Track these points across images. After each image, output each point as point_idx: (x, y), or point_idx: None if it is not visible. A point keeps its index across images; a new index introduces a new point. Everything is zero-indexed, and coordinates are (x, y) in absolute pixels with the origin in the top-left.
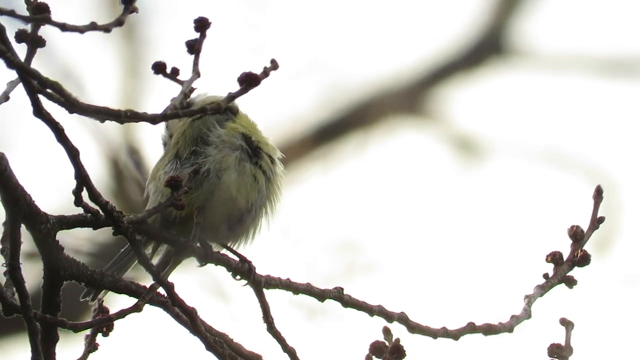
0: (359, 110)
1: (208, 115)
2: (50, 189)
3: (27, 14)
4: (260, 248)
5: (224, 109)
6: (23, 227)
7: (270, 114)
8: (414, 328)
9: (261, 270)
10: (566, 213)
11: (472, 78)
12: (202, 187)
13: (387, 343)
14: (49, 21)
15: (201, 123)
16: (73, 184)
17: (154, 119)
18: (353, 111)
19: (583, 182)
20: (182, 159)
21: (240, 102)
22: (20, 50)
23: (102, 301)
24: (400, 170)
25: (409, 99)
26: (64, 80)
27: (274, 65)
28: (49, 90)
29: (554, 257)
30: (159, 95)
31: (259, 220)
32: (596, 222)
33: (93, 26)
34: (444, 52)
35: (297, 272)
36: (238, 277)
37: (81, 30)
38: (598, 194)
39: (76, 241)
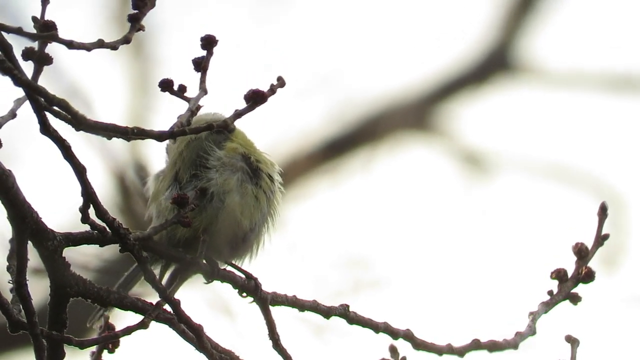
0: (367, 126)
1: (205, 136)
2: (57, 206)
3: (34, 31)
4: (267, 264)
5: (225, 127)
6: (30, 244)
7: (279, 129)
8: (419, 345)
9: (267, 287)
10: (571, 229)
11: (479, 94)
12: (205, 211)
13: None
14: (56, 39)
15: (198, 146)
16: (80, 201)
17: (160, 136)
18: (361, 126)
19: (589, 198)
20: (182, 183)
21: (246, 119)
22: (27, 68)
23: (108, 317)
24: (407, 186)
25: (417, 114)
26: (71, 98)
27: (281, 82)
28: (55, 108)
29: (559, 274)
30: (167, 112)
31: (262, 237)
32: (601, 239)
33: (100, 44)
34: (451, 68)
35: (304, 288)
36: (244, 294)
37: (88, 47)
38: (603, 211)
39: (83, 258)
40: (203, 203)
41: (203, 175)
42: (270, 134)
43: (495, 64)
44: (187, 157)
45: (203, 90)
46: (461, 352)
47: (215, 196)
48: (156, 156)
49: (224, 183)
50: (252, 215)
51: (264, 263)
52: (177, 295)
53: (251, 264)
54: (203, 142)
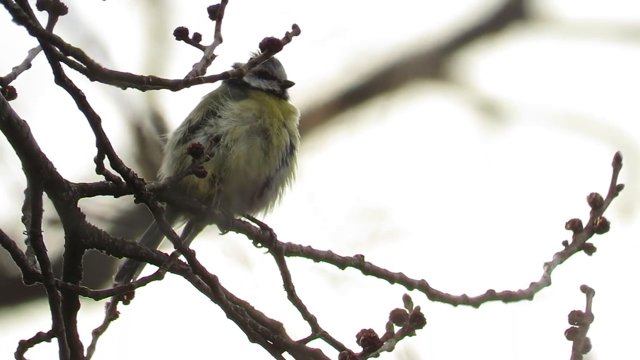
0: (383, 76)
1: (224, 89)
2: (71, 157)
3: None
4: (282, 215)
5: (240, 75)
6: (45, 195)
7: (295, 80)
8: (434, 296)
9: (282, 237)
10: (586, 180)
11: (495, 43)
12: (212, 157)
13: (407, 311)
14: None
15: (214, 95)
16: (95, 151)
17: (175, 85)
18: (377, 76)
19: (605, 148)
20: (192, 125)
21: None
22: (42, 17)
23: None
24: (423, 136)
25: (433, 64)
26: (86, 48)
27: (296, 30)
28: (70, 58)
29: (574, 225)
30: (182, 61)
31: (278, 195)
32: (615, 189)
33: None
34: (467, 18)
35: (321, 238)
36: (259, 244)
37: None
38: (617, 161)
39: (99, 208)
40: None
41: (213, 122)
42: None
43: (511, 13)
44: (204, 106)
45: (218, 39)
46: (476, 302)
47: (222, 144)
48: (173, 106)
49: (233, 131)
50: (260, 167)
51: (280, 214)
52: (192, 246)
53: (265, 219)
54: (220, 93)
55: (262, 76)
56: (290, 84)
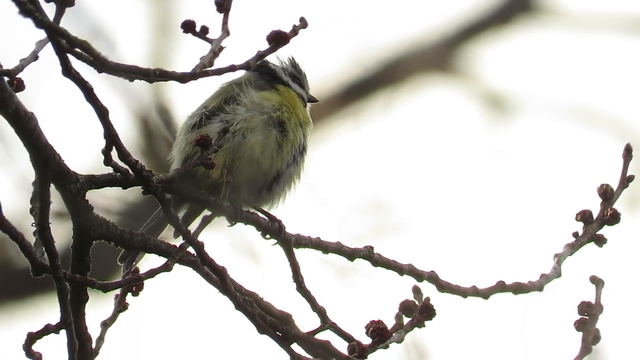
0: (388, 68)
1: (247, 78)
2: (79, 149)
3: None
4: (290, 207)
5: (247, 68)
6: (52, 187)
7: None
8: (443, 287)
9: (291, 229)
10: (596, 171)
11: (501, 35)
12: (227, 144)
13: (417, 302)
14: None
15: (236, 83)
16: (102, 143)
17: (182, 78)
18: (382, 69)
19: (613, 140)
20: (209, 110)
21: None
22: (49, 9)
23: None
24: (429, 128)
25: (439, 56)
26: (93, 40)
27: (303, 23)
28: (77, 50)
29: (584, 216)
30: (190, 54)
31: (287, 190)
32: (626, 180)
33: None
34: (473, 9)
35: (327, 231)
36: (268, 236)
37: None
38: (627, 153)
39: (107, 201)
40: (225, 138)
41: (231, 109)
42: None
43: (517, 5)
44: (223, 92)
45: (225, 32)
46: (486, 294)
47: (238, 132)
48: (179, 99)
49: (250, 119)
50: (273, 159)
51: (288, 206)
52: (200, 238)
53: (272, 210)
54: (245, 82)
55: (293, 79)
56: (316, 100)
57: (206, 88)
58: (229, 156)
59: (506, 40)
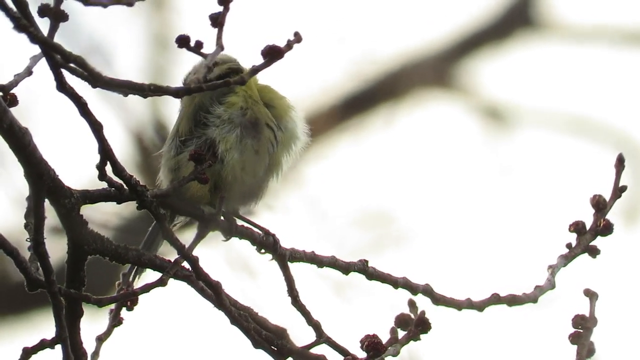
0: (388, 82)
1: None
2: (74, 164)
3: None
4: (285, 221)
5: (242, 83)
6: (47, 202)
7: (299, 86)
8: (438, 300)
9: (285, 243)
10: (589, 182)
11: (500, 49)
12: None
13: (412, 315)
14: None
15: (199, 101)
16: (97, 158)
17: (177, 93)
18: (382, 82)
19: (607, 151)
20: (182, 138)
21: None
22: (43, 24)
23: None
24: (428, 142)
25: (438, 70)
26: (88, 55)
27: (298, 38)
28: (72, 65)
29: (577, 227)
30: (184, 69)
31: (266, 185)
32: (619, 190)
33: (116, 0)
34: (472, 23)
35: (326, 245)
36: (262, 250)
37: (104, 4)
38: (620, 163)
39: (102, 216)
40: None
41: (201, 132)
42: (290, 91)
43: (516, 19)
44: (190, 112)
45: (220, 47)
46: (480, 306)
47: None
48: (175, 113)
49: (223, 141)
50: (254, 170)
51: (283, 219)
52: (195, 252)
53: (256, 207)
54: (205, 97)
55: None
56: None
57: None
58: (213, 182)
59: (505, 54)
